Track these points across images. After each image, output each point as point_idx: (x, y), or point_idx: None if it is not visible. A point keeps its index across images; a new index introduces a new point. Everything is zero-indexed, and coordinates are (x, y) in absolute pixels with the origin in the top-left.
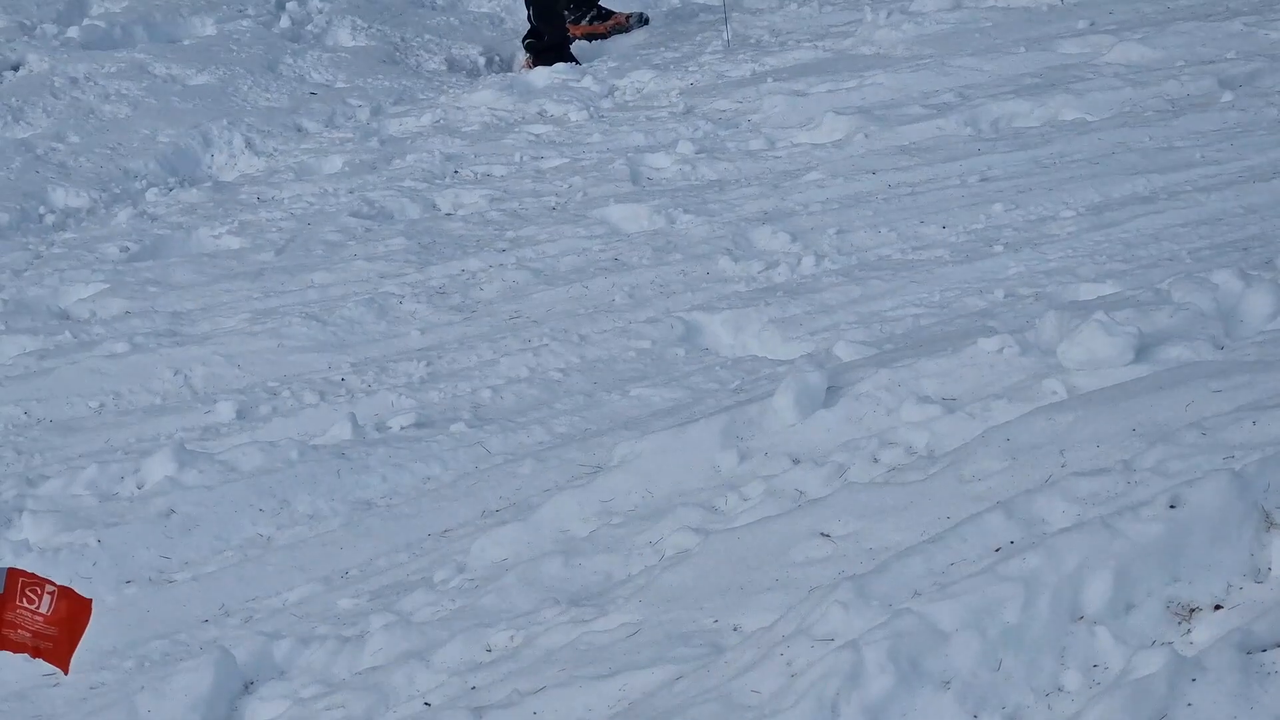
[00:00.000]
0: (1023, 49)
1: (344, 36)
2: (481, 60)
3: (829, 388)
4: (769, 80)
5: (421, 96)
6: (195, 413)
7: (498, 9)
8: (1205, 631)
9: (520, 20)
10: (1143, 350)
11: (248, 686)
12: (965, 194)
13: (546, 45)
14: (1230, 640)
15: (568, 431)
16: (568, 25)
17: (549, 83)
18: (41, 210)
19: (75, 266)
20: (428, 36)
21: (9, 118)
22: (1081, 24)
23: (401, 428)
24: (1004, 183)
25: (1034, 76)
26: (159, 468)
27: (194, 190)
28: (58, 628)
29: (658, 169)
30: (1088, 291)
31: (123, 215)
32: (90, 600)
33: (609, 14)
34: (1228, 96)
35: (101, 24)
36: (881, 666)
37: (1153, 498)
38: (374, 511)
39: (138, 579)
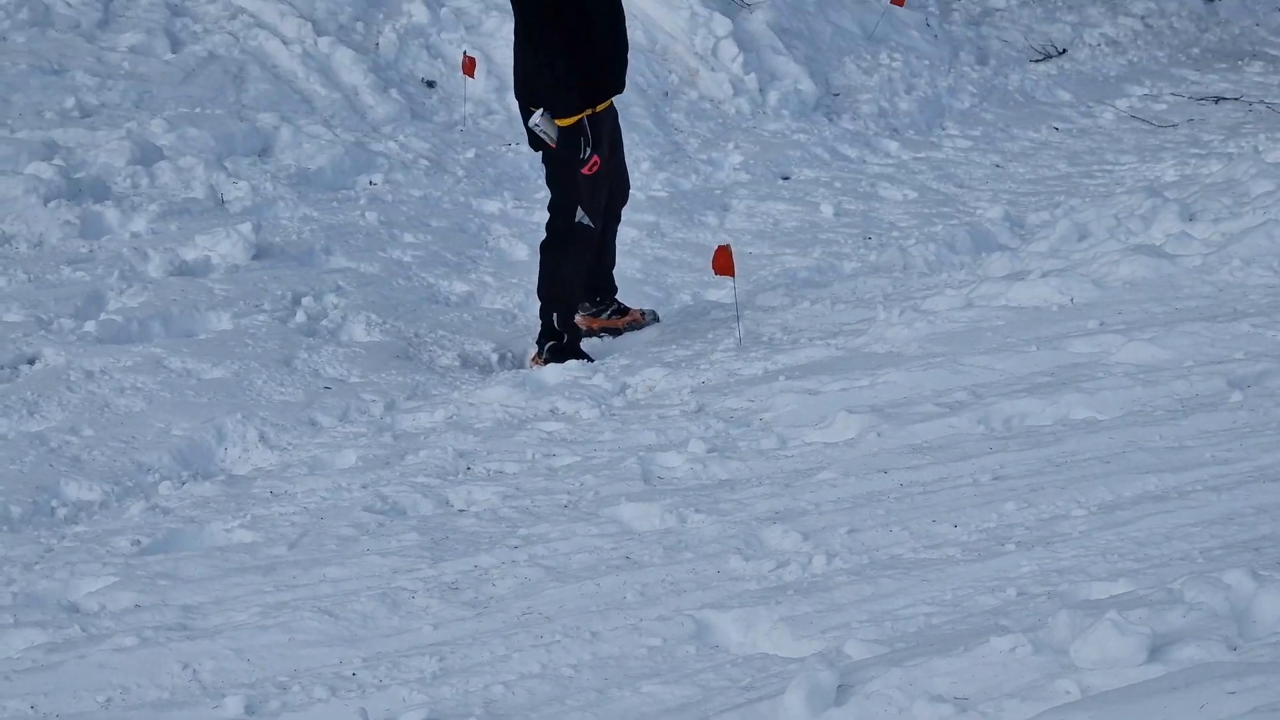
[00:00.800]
0: (1034, 348)
1: (359, 332)
2: (494, 356)
3: (840, 686)
4: (781, 378)
5: (435, 392)
6: (203, 707)
7: (510, 305)
8: None
9: (532, 316)
10: (1156, 650)
11: None
12: (977, 492)
13: (566, 346)
14: None
15: None
16: (586, 318)
17: (561, 380)
18: (54, 503)
19: (86, 560)
20: (441, 332)
21: (24, 411)
22: (1091, 324)
23: None
24: (1016, 481)
25: (1045, 375)
26: None
27: (207, 484)
28: None
29: (669, 468)
30: (1100, 590)
31: (135, 509)
32: None
33: (626, 310)
34: (1237, 397)
35: (119, 319)
36: None
37: None
38: None
39: None
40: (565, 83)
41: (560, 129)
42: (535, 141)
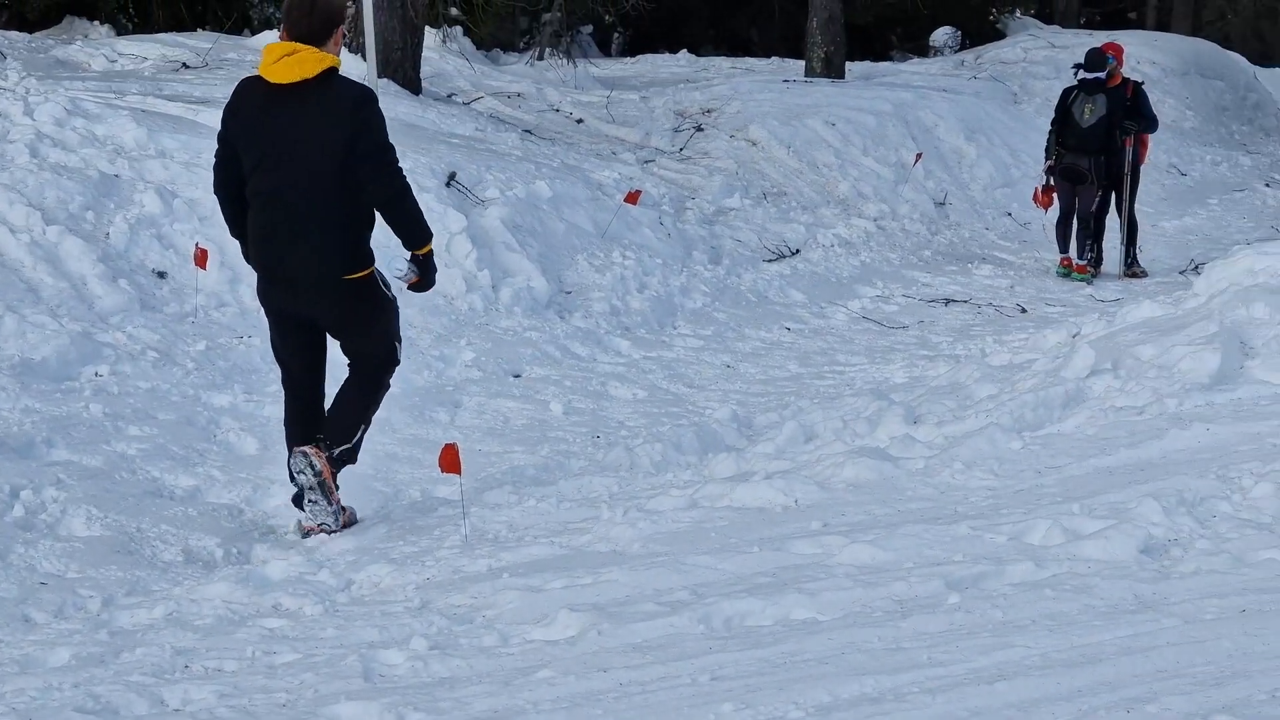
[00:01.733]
0: (757, 548)
1: (78, 526)
2: (219, 552)
3: None
4: (505, 575)
5: (155, 588)
6: None
7: (238, 500)
8: None
9: (259, 510)
10: None
11: None
12: (695, 693)
13: (352, 458)
14: None
15: None
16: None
17: (285, 576)
18: None
19: None
20: (165, 527)
21: None
22: (815, 525)
23: None
24: (734, 681)
25: (767, 576)
26: None
27: None
28: None
29: (390, 665)
30: None
31: None
32: None
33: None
34: (954, 599)
35: None
36: None
37: None
38: None
39: None
40: (419, 212)
41: (420, 259)
42: (349, 302)
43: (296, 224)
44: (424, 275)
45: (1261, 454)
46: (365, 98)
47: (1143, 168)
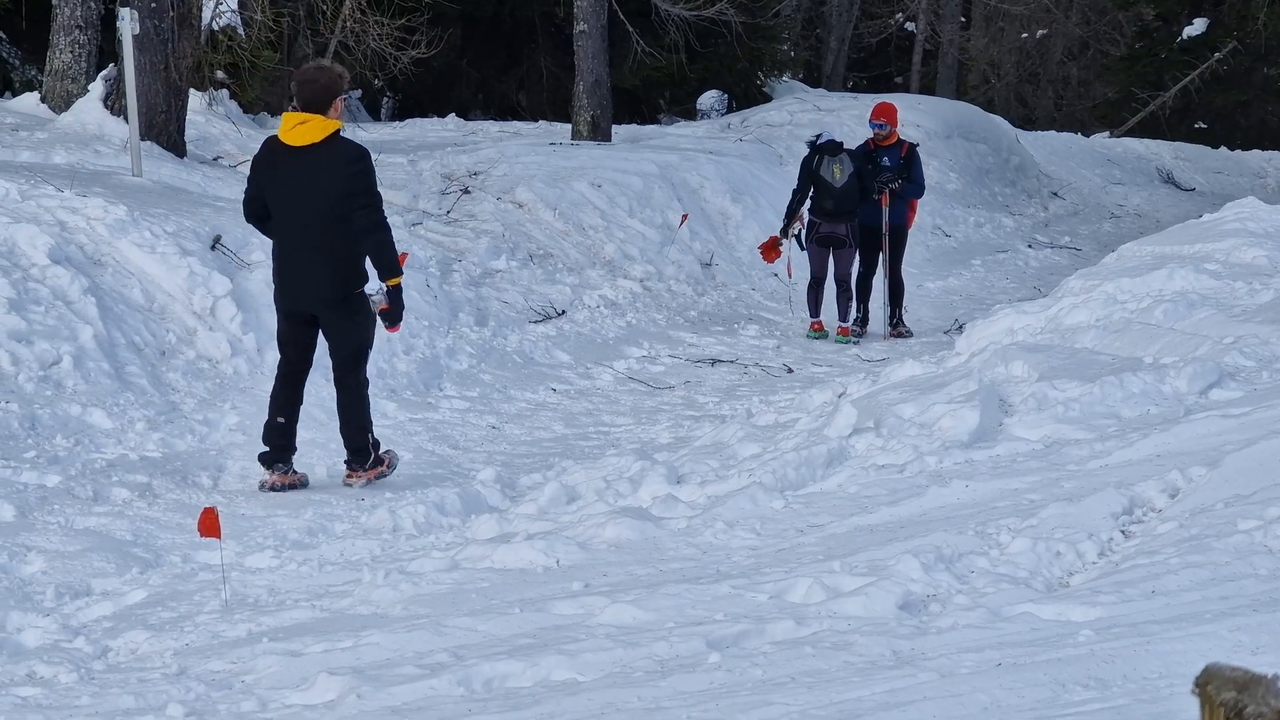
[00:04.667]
0: (517, 610)
1: None
2: None
3: None
4: (265, 640)
5: None
6: None
7: None
8: None
9: (14, 578)
10: None
11: None
12: None
13: (378, 454)
14: None
15: None
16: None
17: (40, 643)
18: None
19: None
20: None
21: None
22: (576, 585)
23: None
24: None
25: (528, 637)
26: None
27: None
28: None
29: None
30: None
31: None
32: None
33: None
34: (715, 658)
35: None
36: None
37: None
38: None
39: None
40: (392, 248)
41: (390, 290)
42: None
43: (305, 251)
44: (392, 304)
45: (1019, 509)
46: (358, 155)
47: (909, 230)
